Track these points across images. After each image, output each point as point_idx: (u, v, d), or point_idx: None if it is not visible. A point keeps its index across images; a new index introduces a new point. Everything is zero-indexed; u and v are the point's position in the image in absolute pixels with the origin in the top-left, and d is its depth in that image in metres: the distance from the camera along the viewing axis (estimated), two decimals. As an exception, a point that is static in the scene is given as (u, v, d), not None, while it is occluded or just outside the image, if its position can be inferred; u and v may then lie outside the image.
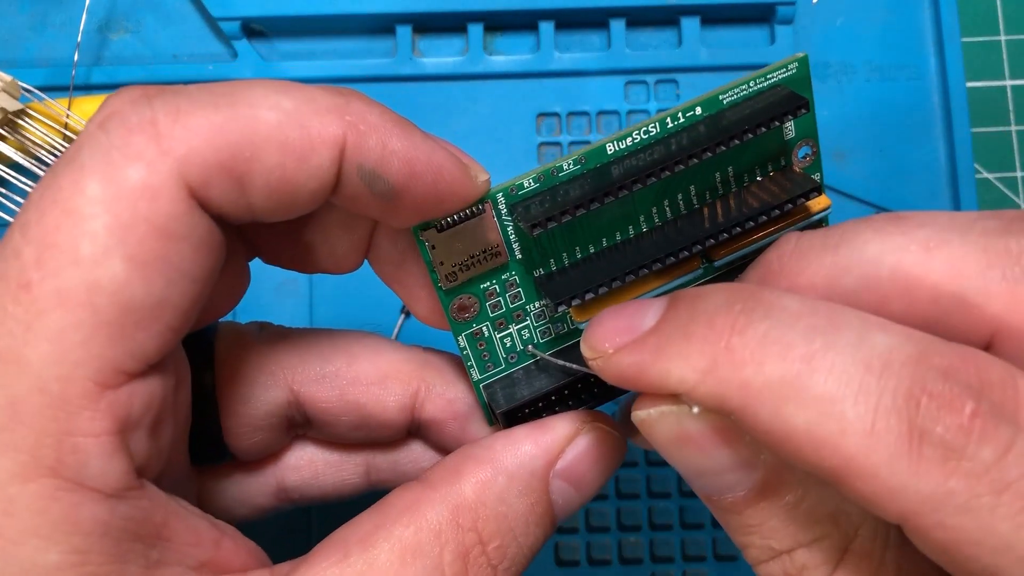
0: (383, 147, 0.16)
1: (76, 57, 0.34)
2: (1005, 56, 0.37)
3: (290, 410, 0.21)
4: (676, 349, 0.15)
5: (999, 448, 0.12)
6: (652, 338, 0.15)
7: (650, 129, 0.18)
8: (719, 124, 0.17)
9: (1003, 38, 0.37)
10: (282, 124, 0.15)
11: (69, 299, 0.14)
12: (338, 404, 0.21)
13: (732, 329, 0.14)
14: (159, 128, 0.15)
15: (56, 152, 0.32)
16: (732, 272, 0.20)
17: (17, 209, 0.32)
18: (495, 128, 0.35)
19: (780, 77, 0.18)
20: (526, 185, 0.17)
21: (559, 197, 0.17)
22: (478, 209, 0.17)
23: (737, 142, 0.17)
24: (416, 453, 0.23)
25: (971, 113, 0.35)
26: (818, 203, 0.19)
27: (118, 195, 0.14)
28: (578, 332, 0.20)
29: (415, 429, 0.22)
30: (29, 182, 0.32)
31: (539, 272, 0.19)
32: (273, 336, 0.22)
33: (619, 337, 0.16)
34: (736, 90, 0.18)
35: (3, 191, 0.32)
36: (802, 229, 0.19)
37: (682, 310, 0.15)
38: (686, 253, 0.18)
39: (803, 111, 0.17)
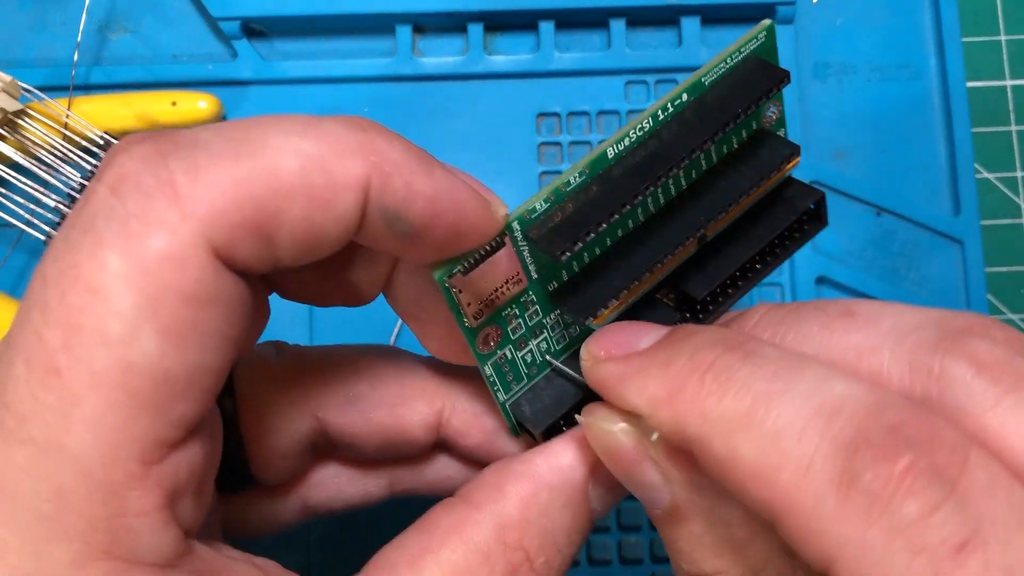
0: (408, 188, 0.15)
1: (76, 57, 0.34)
2: (1005, 56, 0.37)
3: (314, 436, 0.21)
4: (656, 372, 0.15)
5: (925, 507, 0.12)
6: (639, 358, 0.16)
7: (644, 125, 0.18)
8: (707, 108, 0.18)
9: (1003, 38, 0.37)
10: (306, 171, 0.14)
11: (103, 383, 0.13)
12: (363, 428, 0.21)
13: (708, 365, 0.15)
14: (178, 189, 0.14)
15: (56, 152, 0.32)
16: (722, 240, 0.20)
17: (17, 209, 0.32)
18: (495, 128, 0.35)
19: (752, 48, 0.18)
20: (539, 207, 0.17)
21: (576, 215, 0.17)
22: (499, 243, 0.17)
23: (731, 126, 0.17)
24: (441, 463, 0.23)
25: (971, 113, 0.35)
26: (792, 163, 0.19)
27: (143, 268, 0.13)
28: (588, 332, 0.20)
29: (440, 443, 0.22)
30: (29, 182, 0.32)
31: (554, 285, 0.19)
32: (293, 360, 0.21)
33: (614, 349, 0.17)
34: (715, 69, 0.18)
35: (3, 191, 0.32)
36: (776, 188, 0.20)
37: (674, 342, 0.16)
38: (687, 240, 0.18)
39: (785, 83, 0.18)
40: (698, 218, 0.18)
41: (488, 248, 0.17)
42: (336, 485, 0.22)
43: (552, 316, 0.19)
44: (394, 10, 0.35)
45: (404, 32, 0.35)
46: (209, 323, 0.14)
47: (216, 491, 0.20)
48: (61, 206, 0.32)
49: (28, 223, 0.32)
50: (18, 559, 0.13)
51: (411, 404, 0.21)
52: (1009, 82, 0.37)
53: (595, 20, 0.36)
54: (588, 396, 0.19)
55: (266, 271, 0.15)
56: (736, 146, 0.19)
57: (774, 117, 0.20)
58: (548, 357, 0.20)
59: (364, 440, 0.21)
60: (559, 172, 0.34)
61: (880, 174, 0.35)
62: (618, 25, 0.35)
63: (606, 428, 0.17)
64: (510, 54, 0.36)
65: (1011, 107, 0.36)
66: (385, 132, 0.16)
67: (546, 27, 0.35)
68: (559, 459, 0.18)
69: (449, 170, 0.16)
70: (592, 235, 0.17)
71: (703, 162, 0.19)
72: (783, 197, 0.20)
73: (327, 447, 0.22)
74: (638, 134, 0.18)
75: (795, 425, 0.13)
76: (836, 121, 0.35)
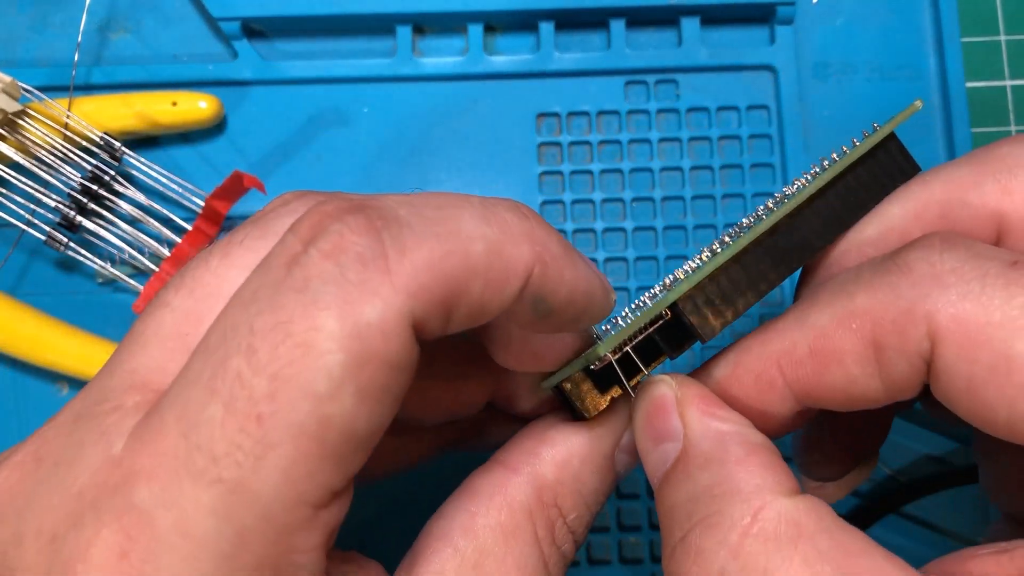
0: (560, 278, 0.17)
1: (76, 57, 0.34)
2: (1005, 56, 0.37)
3: None
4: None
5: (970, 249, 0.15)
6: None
7: (781, 208, 0.19)
8: (848, 199, 0.19)
9: (1003, 38, 0.37)
10: (487, 254, 0.16)
11: (301, 434, 0.14)
12: (418, 403, 0.22)
13: None
14: (390, 264, 0.15)
15: (56, 152, 0.32)
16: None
17: (17, 209, 0.32)
18: (495, 128, 0.35)
19: (888, 130, 0.20)
20: (686, 290, 0.19)
21: (723, 298, 0.19)
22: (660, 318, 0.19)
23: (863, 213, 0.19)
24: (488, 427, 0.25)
25: (971, 113, 0.35)
26: None
27: (355, 333, 0.14)
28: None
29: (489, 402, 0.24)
30: (29, 182, 0.32)
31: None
32: None
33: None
34: (858, 152, 0.20)
35: (3, 191, 0.32)
36: None
37: None
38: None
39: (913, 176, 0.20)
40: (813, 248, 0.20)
41: (649, 324, 0.19)
42: (379, 451, 0.24)
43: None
44: (394, 10, 0.35)
45: (404, 32, 0.35)
46: (398, 388, 0.15)
47: None
48: (61, 206, 0.32)
49: (28, 223, 0.32)
50: None
51: (468, 375, 0.22)
52: (1009, 82, 0.37)
53: (595, 20, 0.36)
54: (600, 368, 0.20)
55: (435, 338, 0.16)
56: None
57: None
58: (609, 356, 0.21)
59: (422, 413, 0.22)
60: (559, 172, 0.35)
61: (880, 174, 0.35)
62: (618, 25, 0.35)
63: (648, 380, 0.19)
64: (510, 54, 0.36)
65: (1011, 107, 0.36)
66: (542, 223, 0.17)
67: (546, 27, 0.35)
68: (590, 428, 0.20)
69: (587, 261, 0.18)
70: (736, 318, 0.19)
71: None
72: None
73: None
74: (774, 220, 0.19)
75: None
76: (836, 121, 0.35)
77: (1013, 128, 0.36)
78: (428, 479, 0.24)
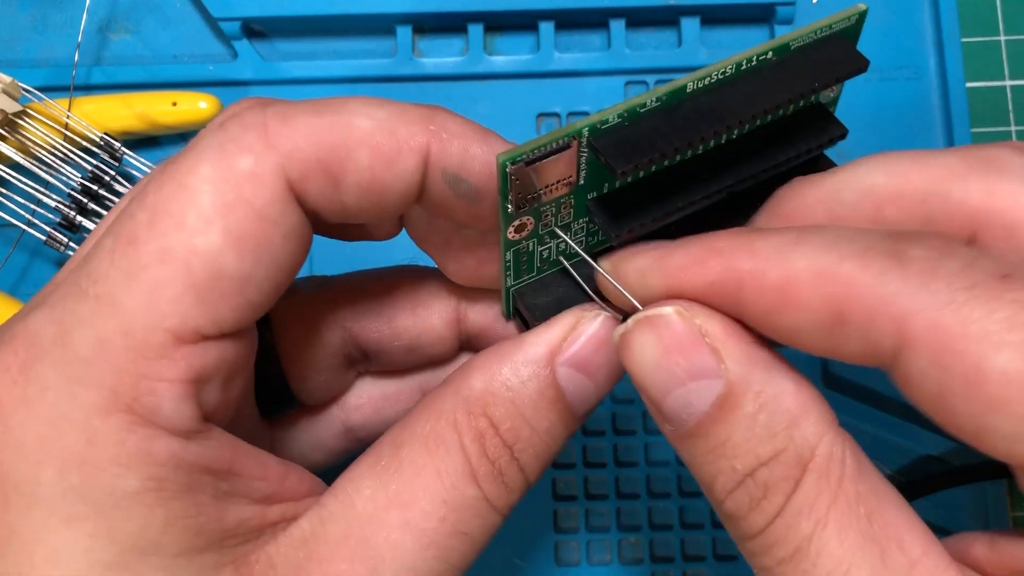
0: (464, 152, 0.18)
1: (76, 57, 0.34)
2: (1005, 56, 0.37)
3: (346, 347, 0.23)
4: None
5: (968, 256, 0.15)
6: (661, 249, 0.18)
7: (726, 70, 0.18)
8: (786, 73, 0.18)
9: (1003, 38, 0.37)
10: (374, 130, 0.17)
11: (169, 257, 0.16)
12: (389, 333, 0.23)
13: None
14: (268, 128, 0.17)
15: (56, 152, 0.32)
16: (749, 193, 0.20)
17: (17, 209, 0.32)
18: (495, 128, 0.35)
19: (842, 27, 0.19)
20: (611, 120, 0.18)
21: (643, 139, 0.18)
22: (566, 144, 0.18)
23: (803, 99, 0.18)
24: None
25: (971, 113, 0.35)
26: (834, 143, 0.20)
27: (226, 178, 0.16)
28: (601, 246, 0.21)
29: (465, 343, 0.24)
30: (29, 182, 0.32)
31: (593, 195, 0.19)
32: (318, 283, 0.23)
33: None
34: (804, 38, 0.19)
35: (3, 191, 0.32)
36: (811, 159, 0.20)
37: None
38: (725, 191, 0.19)
39: (863, 71, 0.19)
40: (738, 175, 0.19)
41: (555, 146, 0.18)
42: (372, 404, 0.25)
43: (580, 222, 0.20)
44: (394, 10, 0.35)
45: (404, 32, 0.35)
46: (268, 241, 0.17)
47: (261, 417, 0.23)
48: (61, 206, 0.32)
49: (28, 223, 0.32)
50: (55, 397, 0.15)
51: (429, 304, 0.23)
52: (1009, 82, 0.37)
53: (595, 20, 0.36)
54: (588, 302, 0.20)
55: (335, 218, 0.18)
56: (792, 112, 0.20)
57: (832, 95, 0.21)
58: (561, 258, 0.21)
59: (391, 344, 0.23)
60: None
61: (880, 174, 0.35)
62: (618, 25, 0.35)
63: (655, 312, 0.17)
64: (510, 54, 0.36)
65: (1010, 107, 0.36)
66: (449, 112, 0.18)
67: (546, 27, 0.35)
68: (524, 340, 0.19)
69: (505, 141, 0.19)
70: (652, 163, 0.17)
71: (762, 120, 0.19)
72: (814, 167, 0.21)
73: (361, 360, 0.24)
74: (718, 77, 0.18)
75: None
76: (836, 121, 0.35)
77: (1013, 128, 0.36)
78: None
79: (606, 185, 0.19)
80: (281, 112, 0.17)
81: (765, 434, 0.16)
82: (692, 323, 0.17)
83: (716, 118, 0.18)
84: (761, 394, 0.16)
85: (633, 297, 0.18)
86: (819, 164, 0.21)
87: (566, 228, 0.20)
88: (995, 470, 0.30)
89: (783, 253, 0.16)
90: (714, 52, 0.35)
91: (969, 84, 0.36)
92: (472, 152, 0.18)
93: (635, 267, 0.18)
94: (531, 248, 0.20)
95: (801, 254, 0.16)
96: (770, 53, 0.19)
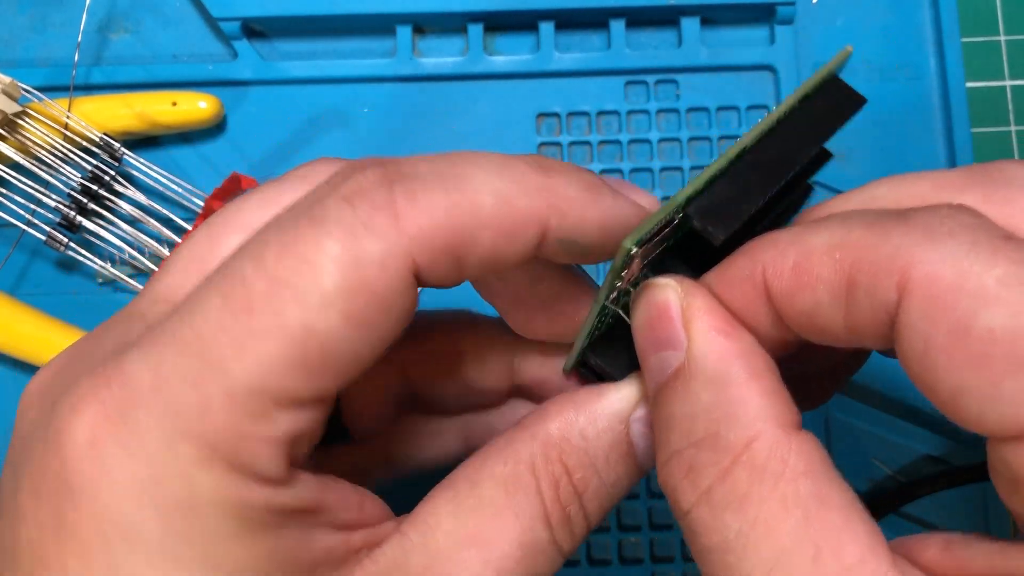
0: (581, 219, 0.18)
1: (76, 57, 0.34)
2: (1005, 56, 0.37)
3: (399, 390, 0.23)
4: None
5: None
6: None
7: (768, 125, 0.20)
8: (808, 122, 0.20)
9: (1003, 38, 0.37)
10: (497, 209, 0.17)
11: (285, 333, 0.16)
12: (444, 378, 0.23)
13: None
14: (398, 210, 0.16)
15: (56, 152, 0.32)
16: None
17: (17, 209, 0.32)
18: (495, 128, 0.35)
19: (833, 68, 0.21)
20: (700, 189, 0.19)
21: (727, 203, 0.19)
22: (673, 220, 0.18)
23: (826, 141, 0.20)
24: (510, 413, 0.25)
25: (971, 113, 0.35)
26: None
27: (354, 262, 0.16)
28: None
29: (515, 391, 0.24)
30: (29, 182, 0.32)
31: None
32: None
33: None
34: (812, 85, 0.20)
35: (3, 191, 0.32)
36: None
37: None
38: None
39: (862, 107, 0.20)
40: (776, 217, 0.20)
41: (667, 222, 0.18)
42: (416, 440, 0.25)
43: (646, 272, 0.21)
44: (394, 10, 0.35)
45: (404, 32, 0.35)
46: (383, 324, 0.17)
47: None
48: (61, 206, 0.32)
49: (28, 223, 0.32)
50: (155, 446, 0.15)
51: (486, 353, 0.23)
52: (1009, 82, 0.37)
53: (595, 20, 0.36)
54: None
55: (449, 284, 0.18)
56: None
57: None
58: (620, 311, 0.21)
59: (444, 389, 0.23)
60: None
61: (880, 174, 0.34)
62: (618, 25, 0.35)
63: (653, 280, 0.19)
64: (510, 54, 0.36)
65: (1011, 107, 0.36)
66: (564, 171, 0.18)
67: (546, 27, 0.35)
68: (600, 390, 0.20)
69: (615, 192, 0.19)
70: (742, 222, 0.18)
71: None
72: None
73: (411, 400, 0.24)
74: (762, 129, 0.19)
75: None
76: (836, 121, 0.35)
77: (1013, 128, 0.36)
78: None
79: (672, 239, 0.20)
80: (409, 190, 0.17)
81: (703, 415, 0.16)
82: (673, 296, 0.18)
83: (775, 169, 0.19)
84: (713, 377, 0.17)
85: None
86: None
87: (634, 284, 0.20)
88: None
89: (800, 237, 0.17)
90: (714, 52, 0.35)
91: (969, 84, 0.36)
92: (587, 217, 0.18)
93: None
94: (607, 310, 0.20)
95: (816, 235, 0.16)
96: (795, 102, 0.20)
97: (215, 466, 0.16)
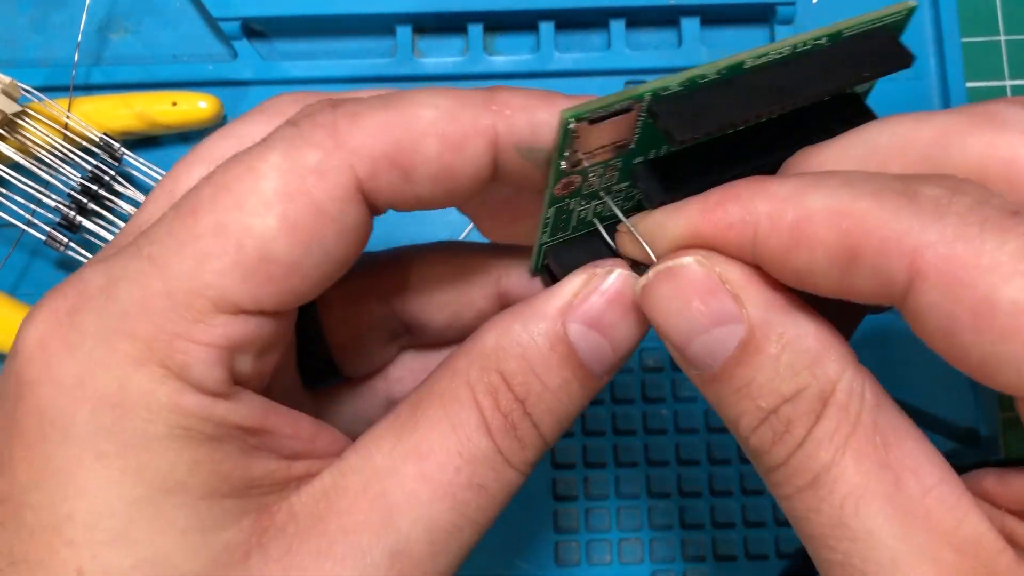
0: (532, 121, 0.18)
1: (76, 57, 0.34)
2: (1005, 56, 0.37)
3: (389, 322, 0.24)
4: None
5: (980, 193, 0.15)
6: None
7: (781, 51, 0.19)
8: (836, 61, 0.19)
9: (1003, 38, 0.37)
10: (438, 119, 0.18)
11: (223, 232, 0.16)
12: (430, 307, 0.23)
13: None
14: (338, 127, 0.17)
15: (56, 152, 0.32)
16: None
17: (17, 209, 0.32)
18: (495, 128, 0.35)
19: (888, 21, 0.20)
20: (671, 88, 0.18)
21: (703, 110, 0.18)
22: (628, 107, 0.18)
23: (848, 87, 0.19)
24: None
25: (971, 113, 0.35)
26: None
27: (292, 168, 0.17)
28: (637, 211, 0.21)
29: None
30: (29, 182, 0.32)
31: (639, 160, 0.20)
32: (362, 259, 0.23)
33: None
34: (856, 27, 0.19)
35: (3, 191, 0.32)
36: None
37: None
38: (755, 168, 0.19)
39: (907, 67, 0.19)
40: (772, 155, 0.20)
41: (617, 108, 0.18)
42: (413, 377, 0.25)
43: (621, 186, 0.20)
44: (394, 10, 0.35)
45: (404, 32, 0.35)
46: (322, 235, 0.17)
47: (306, 388, 0.23)
48: (61, 206, 0.32)
49: (28, 223, 0.32)
50: (94, 343, 0.16)
51: (470, 278, 0.23)
52: (1009, 82, 0.37)
53: (595, 20, 0.36)
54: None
55: (411, 207, 0.18)
56: (831, 97, 0.20)
57: (867, 85, 0.22)
58: (595, 220, 0.21)
59: (432, 318, 0.23)
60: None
61: (880, 174, 0.35)
62: (618, 25, 0.35)
63: (675, 263, 0.18)
64: (510, 54, 0.36)
65: (1011, 107, 0.36)
66: (510, 87, 0.18)
67: (546, 27, 0.35)
68: (539, 295, 0.20)
69: (570, 98, 0.18)
70: (708, 134, 0.18)
71: (812, 102, 0.20)
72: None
73: (403, 333, 0.24)
74: (775, 56, 0.18)
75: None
76: (836, 121, 0.35)
77: (1013, 128, 0.36)
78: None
79: (653, 152, 0.20)
80: (351, 111, 0.18)
81: (788, 373, 0.17)
82: (712, 270, 0.17)
83: (771, 96, 0.18)
84: (783, 336, 0.17)
85: (652, 250, 0.19)
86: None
87: (607, 191, 0.20)
88: (995, 470, 0.30)
89: (800, 194, 0.16)
90: (714, 52, 0.35)
91: (969, 84, 0.36)
92: (540, 119, 0.18)
93: (654, 219, 0.19)
94: (571, 207, 0.20)
95: (817, 195, 0.16)
96: (824, 39, 0.19)
97: (149, 365, 0.16)
